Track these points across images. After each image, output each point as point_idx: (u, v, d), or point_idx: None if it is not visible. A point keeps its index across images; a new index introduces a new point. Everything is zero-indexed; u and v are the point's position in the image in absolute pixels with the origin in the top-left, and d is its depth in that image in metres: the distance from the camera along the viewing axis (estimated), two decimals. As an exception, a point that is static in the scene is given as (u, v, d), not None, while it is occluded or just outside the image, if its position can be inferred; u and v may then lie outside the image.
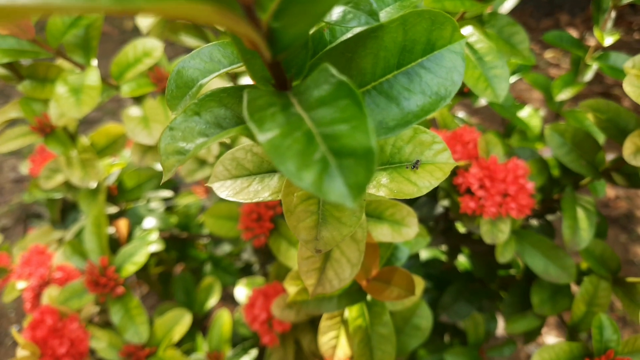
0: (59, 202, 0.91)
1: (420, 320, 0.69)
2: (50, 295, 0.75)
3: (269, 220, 0.71)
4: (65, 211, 0.91)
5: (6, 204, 2.09)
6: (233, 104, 0.29)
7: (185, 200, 1.03)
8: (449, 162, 0.38)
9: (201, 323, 0.97)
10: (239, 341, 0.89)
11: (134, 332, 0.71)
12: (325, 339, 0.62)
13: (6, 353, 1.68)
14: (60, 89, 0.62)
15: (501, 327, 1.33)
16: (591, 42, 0.83)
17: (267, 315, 0.72)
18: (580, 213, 0.69)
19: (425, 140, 0.38)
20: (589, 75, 0.86)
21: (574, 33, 2.86)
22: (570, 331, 0.73)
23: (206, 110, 0.29)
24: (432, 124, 0.82)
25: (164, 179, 0.27)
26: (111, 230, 0.85)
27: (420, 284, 0.62)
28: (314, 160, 0.21)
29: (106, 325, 0.81)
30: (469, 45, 0.59)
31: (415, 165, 0.38)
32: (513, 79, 0.97)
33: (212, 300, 0.95)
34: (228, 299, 1.38)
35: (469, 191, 0.69)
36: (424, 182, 0.37)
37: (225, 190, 0.39)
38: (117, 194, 0.84)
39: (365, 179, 0.20)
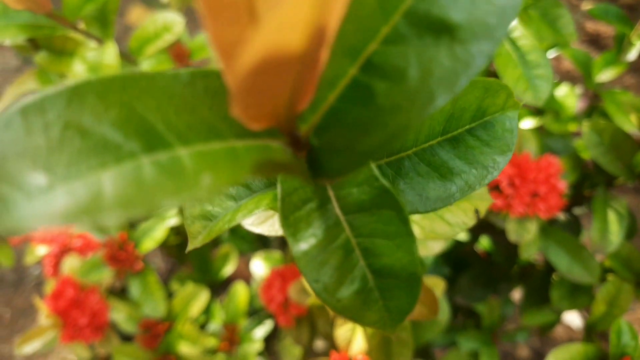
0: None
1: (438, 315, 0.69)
2: (70, 265, 0.76)
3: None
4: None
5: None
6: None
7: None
8: (484, 199, 0.36)
9: (217, 291, 0.98)
10: (254, 312, 0.91)
11: (153, 307, 0.72)
12: (341, 332, 0.62)
13: (29, 295, 1.74)
14: (78, 67, 0.60)
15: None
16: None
17: (283, 297, 0.73)
18: (611, 216, 0.66)
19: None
20: (633, 54, 0.81)
21: None
22: (588, 329, 0.72)
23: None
24: None
25: (190, 247, 0.26)
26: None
27: (439, 284, 0.61)
28: (352, 277, 0.19)
29: (124, 292, 0.82)
30: (512, 41, 0.55)
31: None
32: (551, 53, 0.92)
33: (228, 268, 0.96)
34: (243, 266, 1.40)
35: (497, 187, 0.67)
36: (458, 220, 0.35)
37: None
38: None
39: (408, 306, 0.19)
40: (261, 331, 0.85)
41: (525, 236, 0.67)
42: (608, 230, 0.66)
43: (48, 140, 0.14)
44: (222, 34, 0.13)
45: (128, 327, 0.73)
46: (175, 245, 0.91)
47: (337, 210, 0.21)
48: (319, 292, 0.20)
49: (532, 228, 0.66)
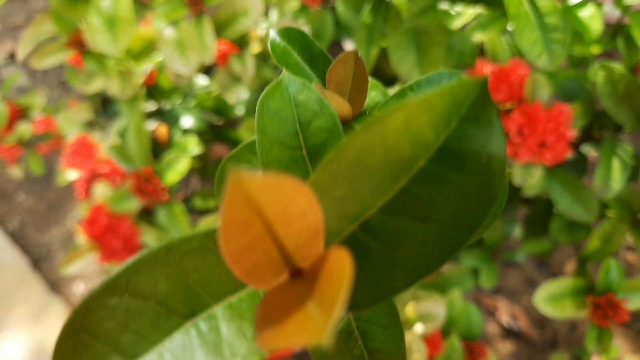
0: (99, 96, 0.92)
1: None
2: (101, 192, 0.82)
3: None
4: (105, 103, 0.93)
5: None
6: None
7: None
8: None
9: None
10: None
11: (180, 233, 0.79)
12: None
13: (59, 188, 1.83)
14: (95, 19, 0.59)
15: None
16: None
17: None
18: (616, 164, 0.69)
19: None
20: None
21: None
22: (580, 261, 0.78)
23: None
24: (479, 51, 0.76)
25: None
26: (152, 125, 0.88)
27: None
28: (352, 354, 0.23)
29: (153, 215, 0.89)
30: (531, 1, 0.53)
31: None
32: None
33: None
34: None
35: (506, 135, 0.68)
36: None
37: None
38: (154, 92, 0.85)
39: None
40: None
41: (530, 181, 0.70)
42: (610, 178, 0.69)
43: (117, 324, 0.17)
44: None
45: (158, 249, 0.81)
46: (198, 168, 0.96)
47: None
48: (319, 358, 0.24)
49: (537, 174, 0.69)
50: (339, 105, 0.26)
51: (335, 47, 0.88)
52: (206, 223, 0.82)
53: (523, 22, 0.53)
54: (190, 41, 0.65)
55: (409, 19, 0.58)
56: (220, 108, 1.01)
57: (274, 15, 0.83)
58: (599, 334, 0.69)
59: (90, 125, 0.99)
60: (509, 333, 1.63)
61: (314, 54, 0.29)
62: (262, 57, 0.75)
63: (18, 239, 1.77)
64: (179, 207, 0.79)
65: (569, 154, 0.79)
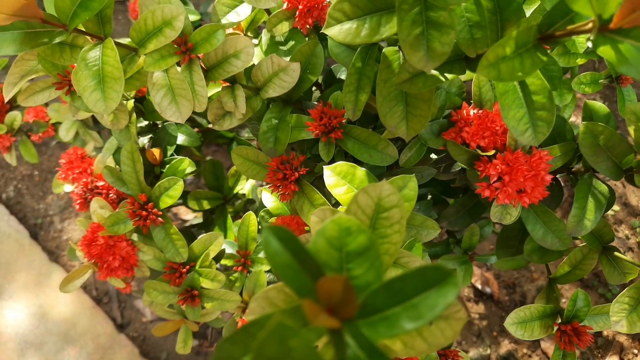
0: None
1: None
2: (96, 208, 0.85)
3: (293, 182, 0.75)
4: (96, 120, 0.93)
5: None
6: None
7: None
8: (460, 318, 0.43)
9: (232, 204, 1.08)
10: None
11: (175, 252, 0.82)
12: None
13: (52, 155, 1.84)
14: (84, 72, 0.59)
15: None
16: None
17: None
18: (590, 204, 0.72)
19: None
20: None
21: None
22: (550, 281, 0.84)
23: None
24: (466, 94, 0.77)
25: None
26: (144, 140, 0.89)
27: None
28: None
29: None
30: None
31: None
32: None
33: (240, 186, 1.04)
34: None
35: (486, 177, 0.71)
36: (435, 342, 0.43)
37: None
38: (147, 105, 0.85)
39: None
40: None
41: (508, 219, 0.74)
42: (584, 217, 0.72)
43: None
44: None
45: (155, 266, 0.85)
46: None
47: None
48: None
49: (515, 213, 0.73)
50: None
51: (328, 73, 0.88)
52: (200, 242, 0.86)
53: (511, 99, 0.54)
54: (181, 88, 0.66)
55: (398, 75, 0.59)
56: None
57: (264, 37, 0.82)
58: (563, 355, 0.76)
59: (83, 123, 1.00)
60: (481, 296, 1.73)
61: (305, 256, 0.31)
62: (255, 89, 0.75)
63: (14, 207, 1.80)
64: (173, 228, 0.82)
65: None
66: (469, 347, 1.63)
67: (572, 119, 2.01)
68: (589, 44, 0.44)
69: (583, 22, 0.46)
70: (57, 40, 0.58)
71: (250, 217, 0.94)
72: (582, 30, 0.46)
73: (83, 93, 0.60)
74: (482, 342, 1.63)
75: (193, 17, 1.19)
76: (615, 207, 1.85)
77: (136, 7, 1.22)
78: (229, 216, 1.04)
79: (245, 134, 1.10)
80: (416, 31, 0.50)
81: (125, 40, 0.68)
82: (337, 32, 0.55)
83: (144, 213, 0.79)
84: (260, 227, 0.99)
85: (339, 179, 0.67)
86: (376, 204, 0.46)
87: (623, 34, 0.42)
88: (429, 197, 1.00)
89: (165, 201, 0.81)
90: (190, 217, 1.80)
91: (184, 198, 1.06)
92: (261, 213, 0.96)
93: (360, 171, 0.67)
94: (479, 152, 0.71)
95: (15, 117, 1.11)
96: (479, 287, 1.72)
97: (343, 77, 0.90)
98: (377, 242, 0.45)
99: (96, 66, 0.60)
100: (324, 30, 0.55)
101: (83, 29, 0.61)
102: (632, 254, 1.77)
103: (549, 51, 0.50)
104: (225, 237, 1.04)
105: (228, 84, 0.74)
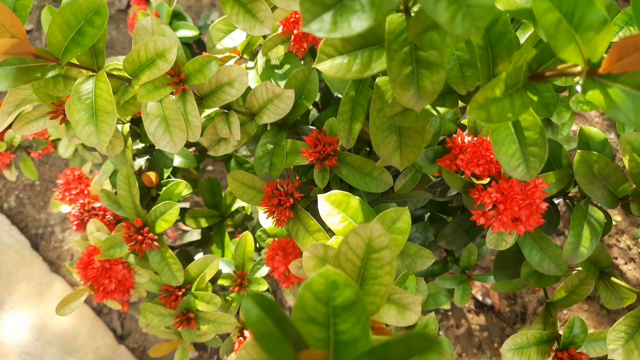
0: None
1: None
2: (93, 229, 0.85)
3: (288, 208, 0.75)
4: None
5: None
6: None
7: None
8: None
9: (231, 217, 1.08)
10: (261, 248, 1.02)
11: (171, 276, 0.83)
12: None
13: (54, 166, 1.84)
14: (77, 105, 0.59)
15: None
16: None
17: (285, 268, 0.83)
18: (586, 231, 0.72)
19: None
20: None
21: None
22: (547, 305, 0.84)
23: None
24: (461, 119, 0.77)
25: None
26: (140, 162, 0.89)
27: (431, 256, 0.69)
28: None
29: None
30: (512, 117, 0.54)
31: None
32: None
33: (239, 202, 1.04)
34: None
35: (482, 205, 0.71)
36: None
37: None
38: (141, 135, 0.85)
39: None
40: (266, 269, 0.98)
41: (503, 245, 0.73)
42: (580, 244, 0.72)
43: None
44: None
45: (151, 289, 0.85)
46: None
47: None
48: None
49: (510, 240, 0.73)
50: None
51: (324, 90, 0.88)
52: (196, 265, 0.86)
53: (503, 135, 0.54)
54: (174, 118, 0.66)
55: (390, 108, 0.59)
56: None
57: (260, 60, 0.82)
58: (558, 381, 0.75)
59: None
60: (482, 307, 1.73)
61: (287, 324, 0.31)
62: (250, 114, 0.75)
63: (15, 217, 1.81)
64: (169, 252, 0.82)
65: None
66: (470, 359, 1.63)
67: (574, 127, 2.00)
68: (578, 88, 0.44)
69: (572, 63, 0.45)
70: (50, 74, 0.58)
71: (247, 237, 0.94)
72: (571, 73, 0.45)
73: (76, 126, 0.60)
74: (483, 354, 1.63)
75: (191, 33, 1.19)
76: (617, 217, 1.84)
77: (135, 22, 1.22)
78: (227, 234, 1.04)
79: (243, 151, 1.10)
80: (406, 70, 0.50)
81: (121, 60, 0.68)
82: (328, 67, 0.55)
83: (140, 237, 0.80)
84: (257, 245, 0.99)
85: (333, 208, 0.67)
86: (367, 244, 0.45)
87: (612, 79, 0.42)
88: (427, 216, 1.00)
89: (161, 225, 0.81)
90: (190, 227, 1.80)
91: (182, 215, 1.06)
92: (258, 232, 0.96)
93: (355, 200, 0.66)
94: (474, 180, 0.70)
95: (14, 135, 1.12)
96: (480, 298, 1.71)
97: (340, 95, 0.90)
98: (363, 298, 0.44)
99: (89, 99, 0.60)
100: (315, 65, 0.55)
101: (76, 62, 0.61)
102: (634, 264, 1.76)
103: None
104: (222, 255, 1.04)
105: (224, 110, 0.74)
